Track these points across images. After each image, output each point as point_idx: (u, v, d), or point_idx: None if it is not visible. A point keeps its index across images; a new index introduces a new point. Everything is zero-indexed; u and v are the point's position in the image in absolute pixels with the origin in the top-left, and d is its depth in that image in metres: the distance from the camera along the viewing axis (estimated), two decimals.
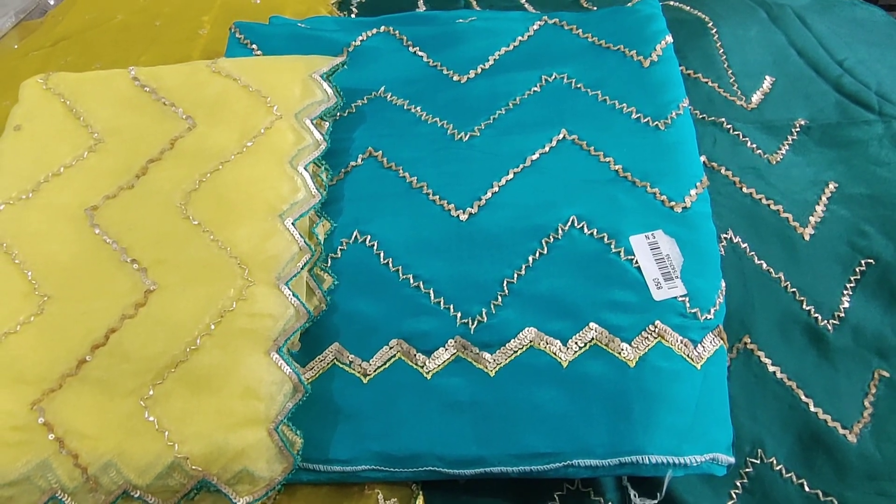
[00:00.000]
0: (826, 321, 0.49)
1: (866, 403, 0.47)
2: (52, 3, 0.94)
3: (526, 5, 0.81)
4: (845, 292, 0.50)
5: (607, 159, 0.48)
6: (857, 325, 0.49)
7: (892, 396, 0.47)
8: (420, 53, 0.58)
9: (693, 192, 0.47)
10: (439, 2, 0.85)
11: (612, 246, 0.44)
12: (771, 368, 0.47)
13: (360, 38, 0.60)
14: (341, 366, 0.44)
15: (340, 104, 0.53)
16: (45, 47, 0.75)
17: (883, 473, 0.44)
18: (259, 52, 0.60)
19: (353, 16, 0.73)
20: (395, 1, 0.75)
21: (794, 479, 0.44)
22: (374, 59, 0.58)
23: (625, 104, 0.51)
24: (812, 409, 0.46)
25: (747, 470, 0.45)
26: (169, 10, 0.74)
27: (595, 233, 0.45)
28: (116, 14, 0.78)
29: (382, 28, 0.61)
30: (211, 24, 0.70)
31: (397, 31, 0.60)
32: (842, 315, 0.49)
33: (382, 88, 0.56)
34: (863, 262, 0.51)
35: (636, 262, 0.43)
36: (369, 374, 0.43)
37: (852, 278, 0.50)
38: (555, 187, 0.47)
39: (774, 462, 0.45)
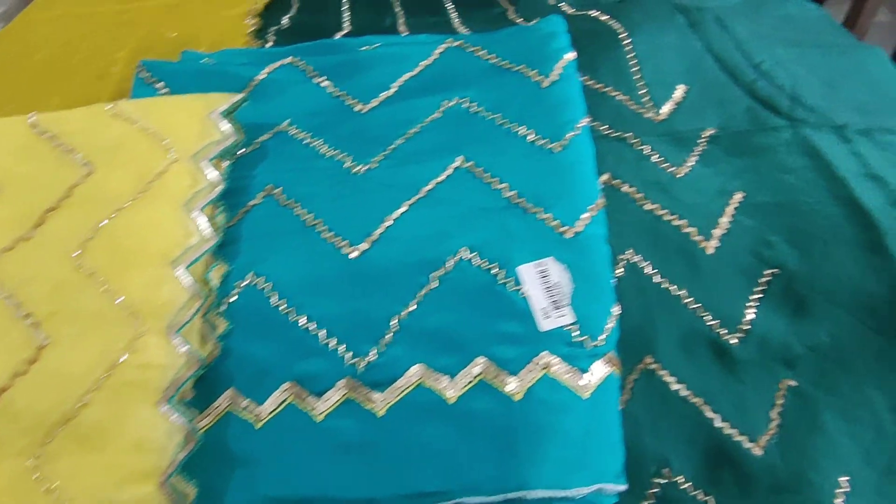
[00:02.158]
0: (730, 335, 0.49)
1: (773, 415, 0.47)
2: None
3: (455, 21, 0.81)
4: (750, 304, 0.50)
5: (501, 185, 0.48)
6: (763, 337, 0.49)
7: (798, 406, 0.47)
8: (325, 84, 0.58)
9: (586, 214, 0.47)
10: (366, 22, 0.85)
11: (502, 276, 0.44)
12: (675, 387, 0.47)
13: (266, 71, 0.60)
14: (236, 411, 0.44)
15: (241, 141, 0.53)
16: None
17: (787, 485, 0.45)
18: (166, 90, 0.60)
19: (269, 44, 0.73)
20: (314, 29, 0.75)
21: (702, 495, 0.44)
22: (278, 92, 0.58)
23: (522, 127, 0.51)
24: (718, 424, 0.46)
25: (654, 490, 0.45)
26: (87, 45, 0.74)
27: (485, 263, 0.45)
28: (39, 50, 0.77)
29: (288, 59, 0.60)
30: (124, 61, 0.69)
31: (302, 62, 0.60)
32: (747, 327, 0.49)
33: (287, 122, 0.56)
34: (768, 272, 0.51)
35: (524, 292, 0.43)
36: (262, 419, 0.43)
37: (757, 290, 0.50)
38: (447, 218, 0.47)
39: (681, 480, 0.45)
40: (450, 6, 0.86)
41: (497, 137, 0.51)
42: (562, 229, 0.46)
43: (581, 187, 0.48)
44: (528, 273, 0.43)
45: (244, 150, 0.55)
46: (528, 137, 0.51)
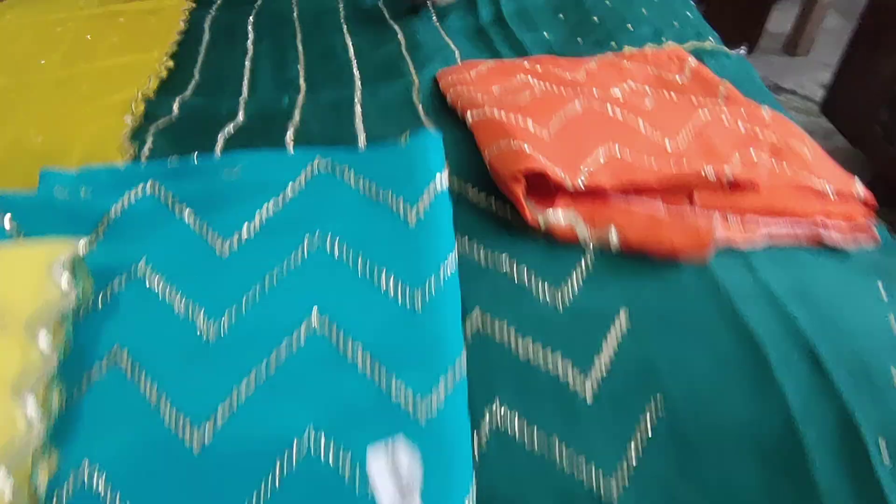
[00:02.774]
0: (612, 488, 0.46)
1: None
2: None
3: (357, 97, 0.78)
4: (632, 449, 0.47)
5: (355, 349, 0.45)
6: (646, 484, 0.46)
7: None
8: (187, 218, 0.55)
9: (444, 382, 0.44)
10: (264, 101, 0.82)
11: (348, 466, 0.41)
12: None
13: (124, 201, 0.55)
14: None
15: (89, 294, 0.49)
16: None
17: None
18: (14, 224, 0.55)
19: (147, 146, 0.69)
20: (194, 132, 0.71)
21: None
22: (136, 228, 0.54)
23: (384, 270, 0.48)
24: None
25: None
26: None
27: (332, 450, 0.42)
28: None
29: (149, 185, 0.56)
30: None
31: (163, 189, 0.56)
32: (629, 476, 0.46)
33: (143, 263, 0.52)
34: (651, 407, 0.48)
35: (370, 482, 0.40)
36: None
37: (639, 431, 0.48)
38: (296, 396, 0.44)
39: None
40: (357, 79, 0.83)
41: (357, 290, 0.48)
42: (415, 405, 0.43)
43: (441, 350, 0.45)
44: (374, 461, 0.40)
45: (92, 301, 0.51)
46: (391, 291, 0.48)
